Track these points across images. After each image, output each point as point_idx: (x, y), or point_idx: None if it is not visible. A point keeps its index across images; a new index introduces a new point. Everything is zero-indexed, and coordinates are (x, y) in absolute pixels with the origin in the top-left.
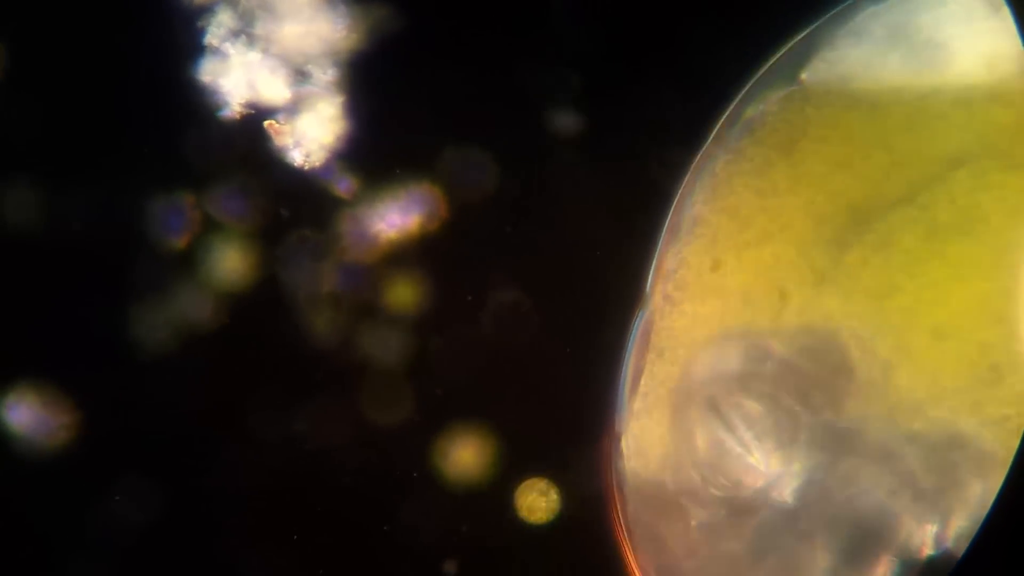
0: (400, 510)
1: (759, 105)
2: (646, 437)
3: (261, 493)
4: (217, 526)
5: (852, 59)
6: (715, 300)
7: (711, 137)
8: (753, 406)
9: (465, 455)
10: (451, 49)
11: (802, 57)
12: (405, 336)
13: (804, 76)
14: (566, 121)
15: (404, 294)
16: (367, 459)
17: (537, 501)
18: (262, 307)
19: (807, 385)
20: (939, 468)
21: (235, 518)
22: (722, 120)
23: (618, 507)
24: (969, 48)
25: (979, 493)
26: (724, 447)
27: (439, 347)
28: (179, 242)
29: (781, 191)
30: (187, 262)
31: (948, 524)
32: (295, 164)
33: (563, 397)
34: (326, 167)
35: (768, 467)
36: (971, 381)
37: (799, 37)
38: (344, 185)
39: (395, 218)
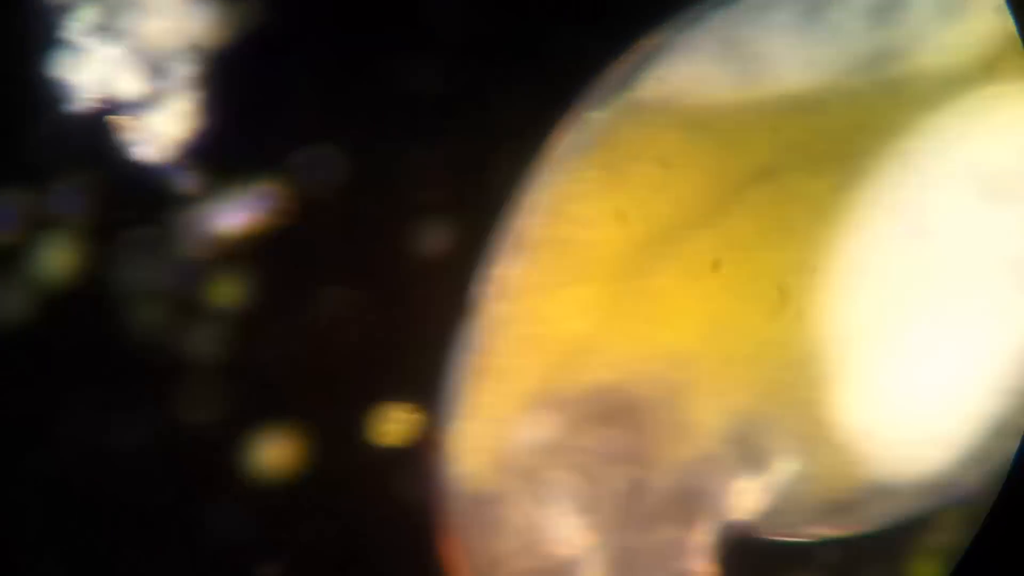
0: (219, 508)
1: (589, 122)
2: (473, 451)
3: (78, 493)
4: (21, 528)
5: (681, 74)
6: (534, 353)
7: (550, 149)
8: (567, 477)
9: (288, 453)
10: (310, 48)
11: (635, 71)
12: (240, 333)
13: (632, 93)
14: (419, 122)
15: (241, 292)
16: (185, 456)
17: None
18: (90, 305)
19: (613, 449)
20: (743, 453)
21: (41, 519)
22: (561, 131)
23: (443, 513)
24: (787, 59)
25: (783, 463)
26: (538, 520)
27: (274, 345)
28: (8, 238)
29: (602, 220)
30: (16, 258)
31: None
32: (141, 160)
33: (393, 395)
34: (173, 163)
35: (579, 540)
36: (750, 364)
37: (638, 48)
38: (188, 181)
39: (239, 216)
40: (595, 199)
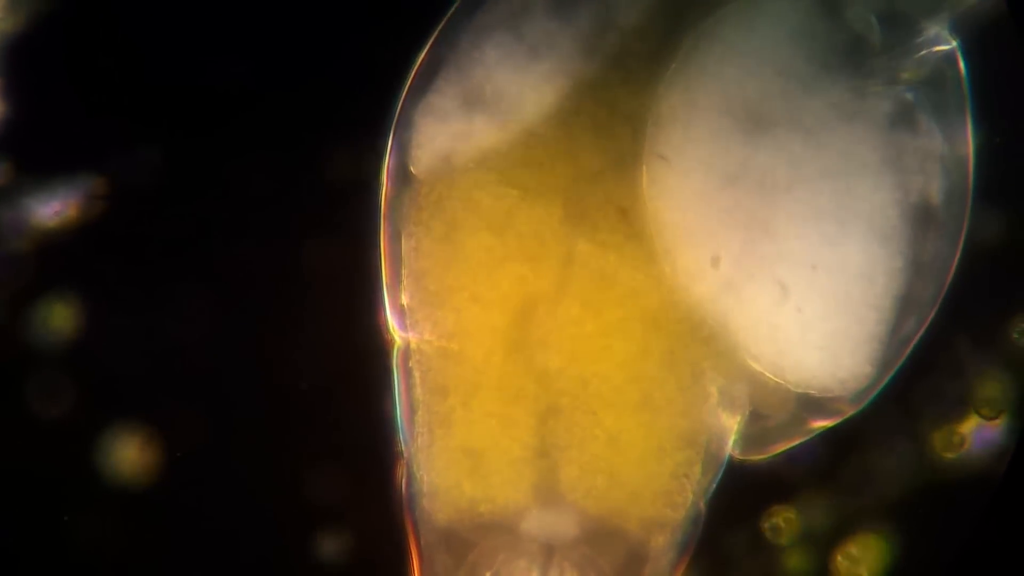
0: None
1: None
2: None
3: None
4: None
5: (444, 134)
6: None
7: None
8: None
9: (133, 452)
10: (123, 36)
11: (401, 140)
12: (66, 328)
13: (413, 168)
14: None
15: (64, 285)
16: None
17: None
18: None
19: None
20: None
21: None
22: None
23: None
24: (520, 87)
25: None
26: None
27: (103, 339)
28: None
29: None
30: None
31: None
32: None
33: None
34: None
35: None
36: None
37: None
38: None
39: (54, 206)
40: (445, 263)
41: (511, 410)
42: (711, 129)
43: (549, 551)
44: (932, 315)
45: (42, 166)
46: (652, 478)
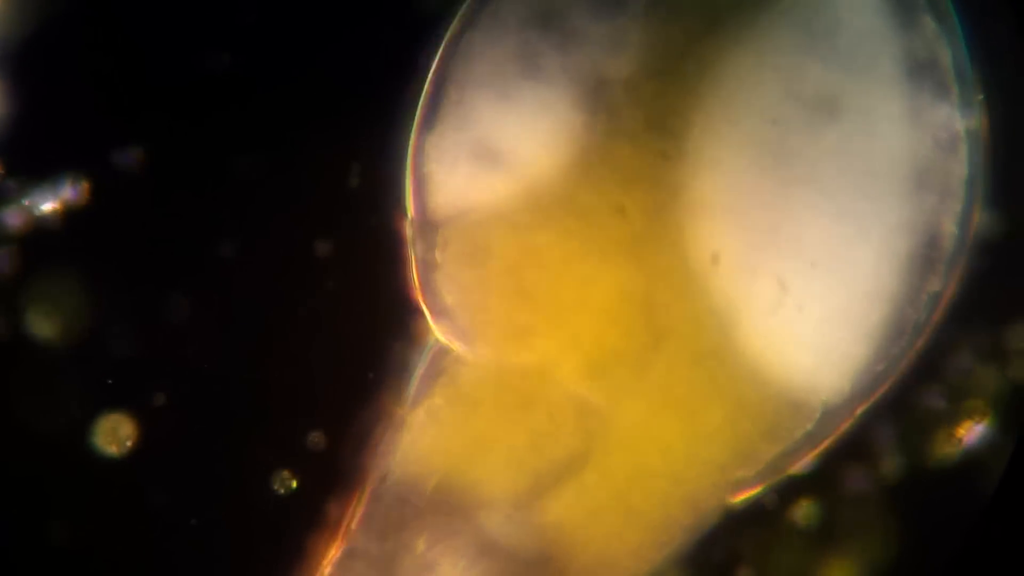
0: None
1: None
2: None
3: None
4: None
5: (456, 180)
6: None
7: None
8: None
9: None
10: (119, 35)
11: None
12: (64, 323)
13: (432, 208)
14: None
15: (63, 282)
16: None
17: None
18: None
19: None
20: None
21: None
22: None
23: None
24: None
25: None
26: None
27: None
28: None
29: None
30: None
31: None
32: None
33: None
34: None
35: None
36: None
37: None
38: None
39: (54, 203)
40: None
41: (539, 419)
42: (761, 117)
43: (486, 551)
44: (911, 353)
45: (42, 164)
46: (642, 531)
